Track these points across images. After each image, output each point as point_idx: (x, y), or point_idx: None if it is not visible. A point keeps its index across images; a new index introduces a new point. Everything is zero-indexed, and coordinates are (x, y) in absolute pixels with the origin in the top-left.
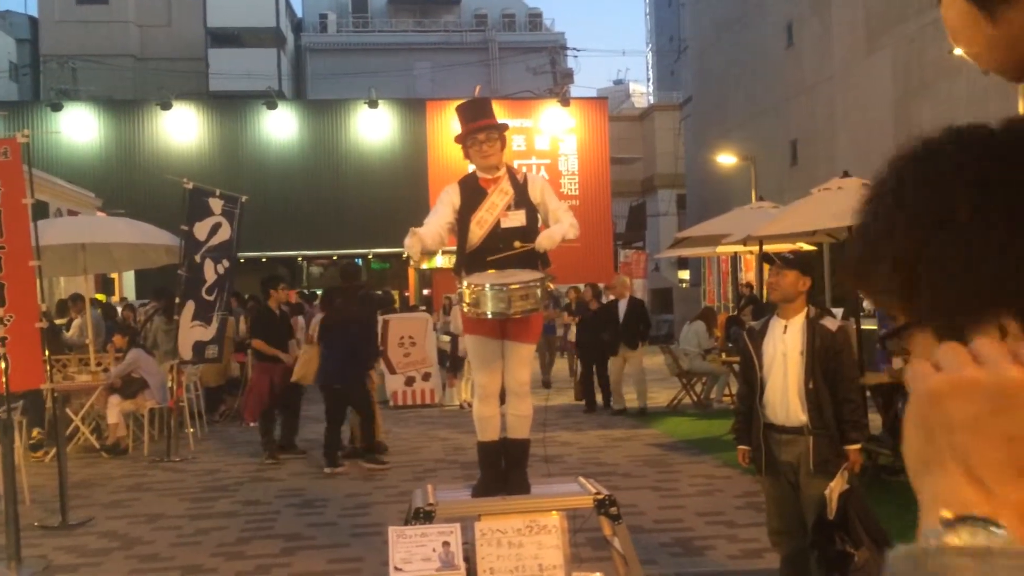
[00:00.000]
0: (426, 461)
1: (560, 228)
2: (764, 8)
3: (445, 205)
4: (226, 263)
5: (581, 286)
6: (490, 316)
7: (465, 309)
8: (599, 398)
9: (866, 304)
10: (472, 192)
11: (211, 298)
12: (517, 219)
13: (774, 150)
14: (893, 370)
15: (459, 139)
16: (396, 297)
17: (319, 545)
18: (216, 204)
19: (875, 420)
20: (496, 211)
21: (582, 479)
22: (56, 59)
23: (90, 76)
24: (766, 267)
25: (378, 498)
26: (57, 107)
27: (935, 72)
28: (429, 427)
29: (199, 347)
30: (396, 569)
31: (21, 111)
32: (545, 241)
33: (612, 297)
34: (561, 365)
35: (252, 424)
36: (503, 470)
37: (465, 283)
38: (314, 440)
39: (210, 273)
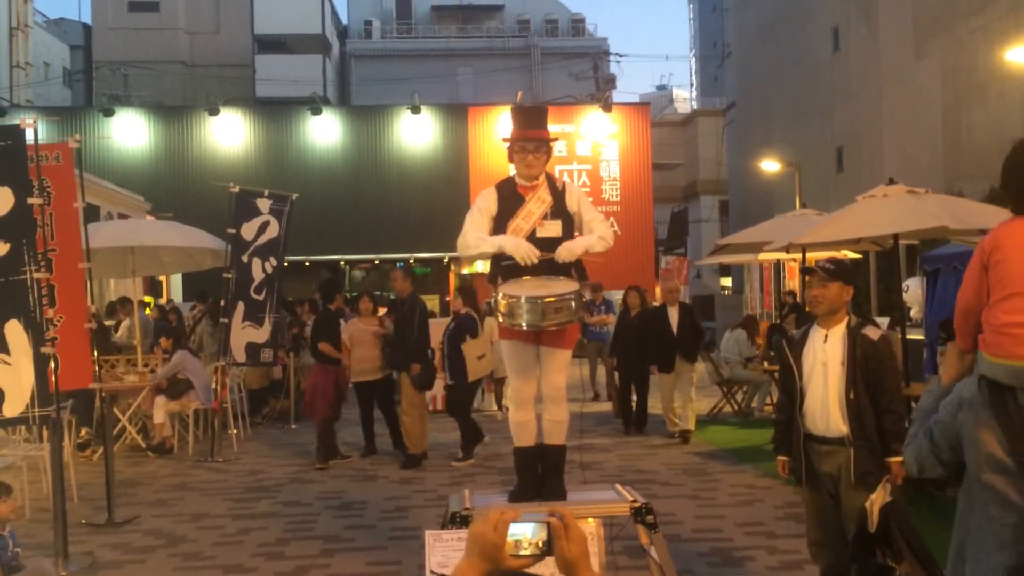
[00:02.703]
0: (464, 466)
1: (585, 240)
2: (810, 13)
3: (482, 212)
4: (273, 261)
5: (614, 293)
6: (524, 328)
7: (500, 319)
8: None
9: (912, 313)
10: (509, 198)
11: (260, 297)
12: (553, 229)
13: (819, 156)
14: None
15: (508, 140)
16: (437, 301)
17: (358, 547)
18: (264, 204)
19: None
20: (532, 220)
21: (619, 486)
22: (108, 65)
23: (141, 82)
24: (805, 277)
25: (416, 502)
26: (109, 112)
27: (986, 77)
28: None
29: (252, 349)
30: (432, 573)
31: (74, 116)
32: (564, 253)
33: (656, 303)
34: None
35: (294, 426)
36: (540, 476)
37: (500, 293)
38: (353, 443)
39: (258, 272)
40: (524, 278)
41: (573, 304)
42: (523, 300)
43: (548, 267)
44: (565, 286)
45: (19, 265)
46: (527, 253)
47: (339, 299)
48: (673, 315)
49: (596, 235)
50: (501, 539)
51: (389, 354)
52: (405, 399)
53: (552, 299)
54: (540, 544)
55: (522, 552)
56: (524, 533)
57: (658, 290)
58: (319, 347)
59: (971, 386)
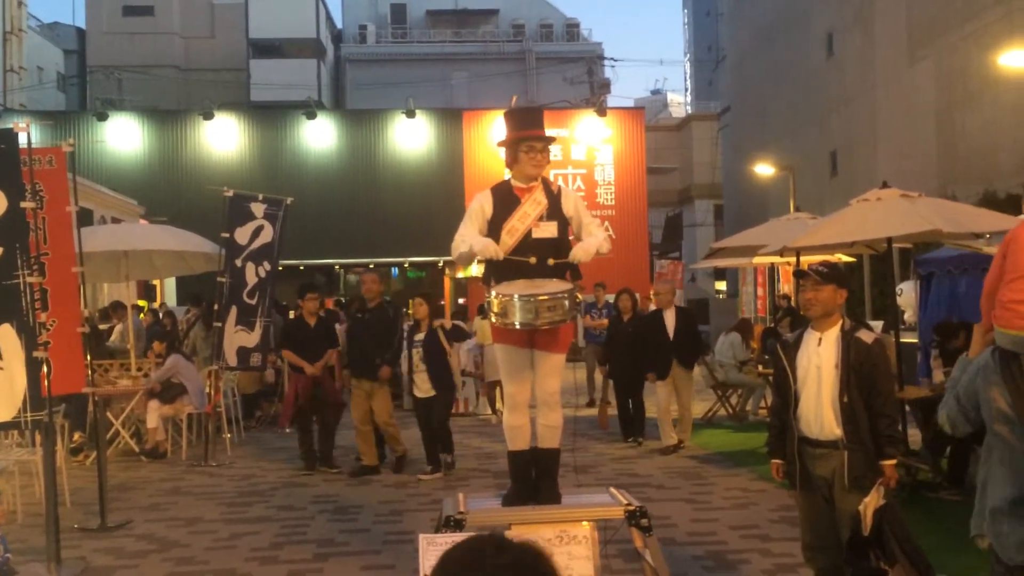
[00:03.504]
0: (458, 470)
1: (595, 241)
2: (805, 18)
3: (475, 216)
4: (267, 265)
5: (610, 297)
6: (518, 327)
7: (493, 319)
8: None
9: (906, 317)
10: (505, 200)
11: (252, 302)
12: (548, 230)
13: (813, 161)
14: (933, 384)
15: (507, 143)
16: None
17: (352, 552)
18: (258, 208)
19: (915, 435)
20: (528, 220)
21: (613, 490)
22: (102, 70)
23: (135, 86)
24: (799, 281)
25: (410, 506)
26: (103, 117)
27: (980, 82)
28: (461, 436)
29: (244, 353)
30: None
31: (68, 120)
32: (580, 253)
33: (653, 307)
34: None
35: (288, 430)
36: (534, 480)
37: (493, 293)
38: (348, 447)
39: (251, 276)
40: (518, 280)
41: (566, 303)
42: (516, 298)
43: (542, 269)
44: (558, 285)
45: (12, 269)
46: (495, 252)
47: (307, 304)
48: (669, 319)
49: (601, 237)
50: None
51: (359, 359)
52: (385, 407)
53: (545, 297)
54: None
55: None
56: None
57: (652, 294)
58: (283, 353)
59: (987, 354)
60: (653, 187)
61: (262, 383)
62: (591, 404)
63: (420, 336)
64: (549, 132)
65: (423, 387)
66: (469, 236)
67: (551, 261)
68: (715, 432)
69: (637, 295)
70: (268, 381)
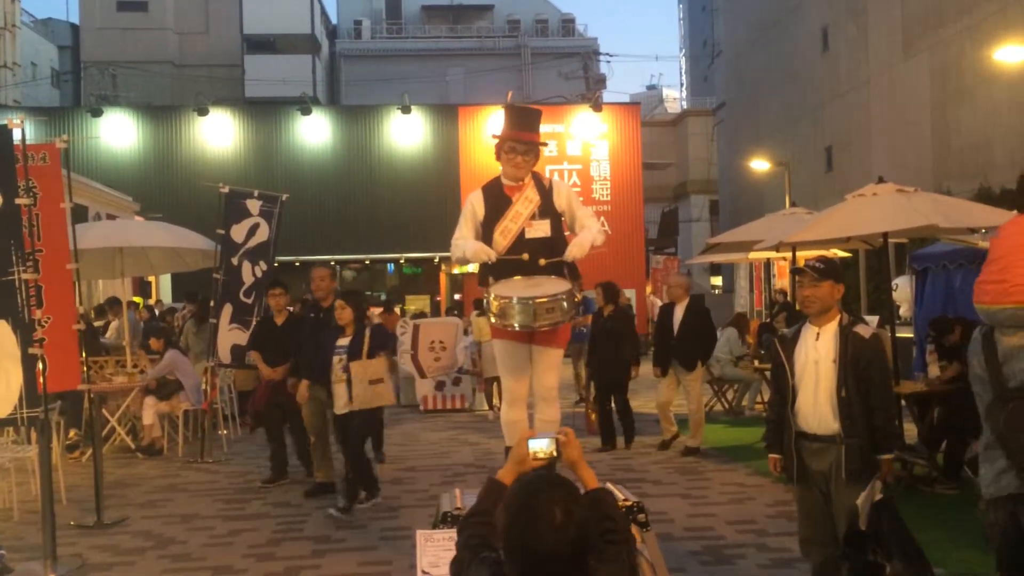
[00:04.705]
0: (455, 465)
1: (588, 235)
2: (799, 13)
3: (469, 217)
4: (263, 265)
5: (590, 293)
6: (517, 328)
7: (492, 320)
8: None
9: (902, 311)
10: (497, 200)
11: (249, 301)
12: (541, 229)
13: (809, 156)
14: (929, 379)
15: (498, 137)
16: (427, 302)
17: (348, 548)
18: (254, 205)
19: (911, 430)
20: (520, 220)
21: (610, 485)
22: (96, 65)
23: (129, 82)
24: (796, 277)
25: (407, 502)
26: (97, 113)
27: (974, 77)
28: (459, 432)
29: (238, 351)
30: (424, 572)
31: (62, 117)
32: (575, 250)
33: (668, 300)
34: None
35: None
36: None
37: (492, 294)
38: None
39: (248, 275)
40: (515, 278)
41: (564, 304)
42: (515, 301)
43: (536, 268)
44: (556, 286)
45: (7, 266)
46: (487, 256)
47: (272, 300)
48: (678, 313)
49: (596, 229)
50: (525, 450)
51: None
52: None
53: (544, 299)
54: (551, 452)
55: (539, 457)
56: (540, 446)
57: (648, 289)
58: (251, 355)
59: (978, 329)
60: (649, 183)
61: (259, 380)
62: (580, 402)
63: (344, 341)
64: (543, 128)
65: (340, 401)
66: (463, 241)
67: (542, 261)
68: (711, 427)
69: (628, 290)
70: None
